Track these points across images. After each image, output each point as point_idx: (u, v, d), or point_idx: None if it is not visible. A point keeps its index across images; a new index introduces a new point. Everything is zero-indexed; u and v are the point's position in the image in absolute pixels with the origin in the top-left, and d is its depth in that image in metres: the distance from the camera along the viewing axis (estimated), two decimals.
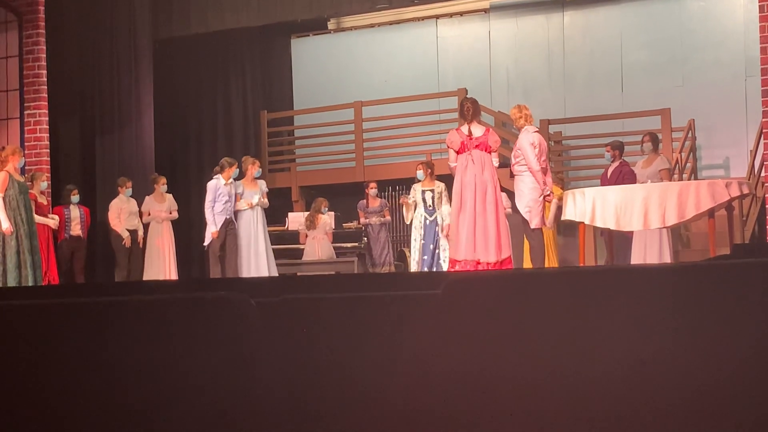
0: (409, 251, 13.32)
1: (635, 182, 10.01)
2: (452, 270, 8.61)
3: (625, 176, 10.16)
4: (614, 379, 1.84)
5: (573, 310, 1.87)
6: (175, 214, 12.05)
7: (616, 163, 10.40)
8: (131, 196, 11.85)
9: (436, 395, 1.94)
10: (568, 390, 1.85)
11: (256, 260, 10.80)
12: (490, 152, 8.63)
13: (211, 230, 10.54)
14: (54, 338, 1.94)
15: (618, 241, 9.77)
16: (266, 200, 11.08)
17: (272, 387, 1.94)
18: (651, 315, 1.84)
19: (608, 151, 10.59)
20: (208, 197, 10.61)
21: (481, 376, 1.92)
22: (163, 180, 12.01)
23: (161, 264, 11.72)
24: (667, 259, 9.55)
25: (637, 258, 9.70)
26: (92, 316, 1.97)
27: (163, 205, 11.89)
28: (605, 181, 10.26)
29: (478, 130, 8.67)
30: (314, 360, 1.98)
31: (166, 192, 12.02)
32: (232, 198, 10.68)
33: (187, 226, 13.87)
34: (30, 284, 9.14)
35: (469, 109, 8.68)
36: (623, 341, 1.84)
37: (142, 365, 1.91)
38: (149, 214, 11.85)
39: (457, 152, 8.63)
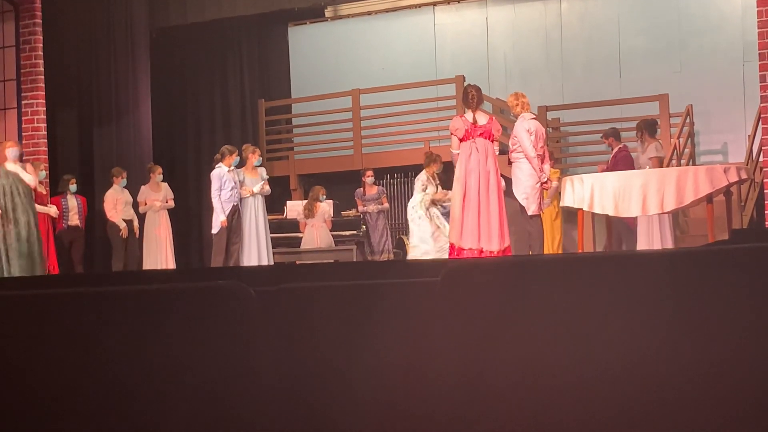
0: (408, 238, 13.34)
1: (631, 166, 10.03)
2: (453, 257, 8.61)
3: (619, 161, 10.17)
4: (615, 367, 1.85)
5: (572, 297, 1.87)
6: (172, 203, 12.05)
7: (616, 149, 10.43)
8: (125, 187, 11.85)
9: (436, 383, 1.95)
10: (568, 377, 1.86)
11: (258, 248, 10.84)
12: (493, 140, 8.63)
13: (220, 218, 10.56)
14: (52, 328, 1.94)
15: (616, 227, 9.78)
16: (268, 187, 11.13)
17: (271, 376, 1.95)
18: (651, 301, 1.85)
19: (604, 141, 10.69)
20: (214, 186, 10.63)
21: (481, 363, 1.93)
22: (159, 169, 12.01)
23: (159, 253, 11.73)
24: (669, 244, 9.56)
25: (642, 245, 9.71)
26: (91, 306, 1.97)
27: (158, 194, 11.89)
28: (609, 169, 10.28)
29: (482, 118, 8.67)
30: (313, 349, 1.98)
31: (162, 181, 12.03)
32: (237, 185, 10.72)
33: (185, 215, 13.88)
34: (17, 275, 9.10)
35: (474, 97, 8.67)
36: (623, 328, 1.84)
37: (140, 355, 1.91)
38: (146, 204, 11.86)
39: (461, 139, 8.61)
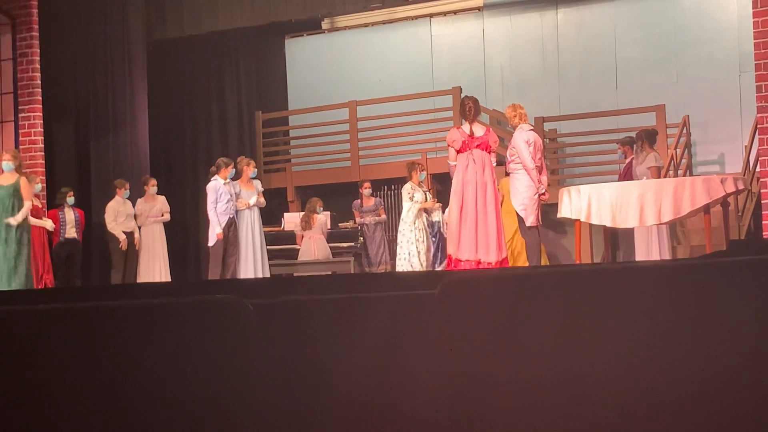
0: None
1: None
2: (451, 269, 8.61)
3: (631, 173, 10.19)
4: (613, 379, 1.84)
5: (570, 309, 1.86)
6: (167, 216, 12.02)
7: (629, 160, 10.43)
8: (128, 198, 11.83)
9: (434, 395, 1.94)
10: (566, 389, 1.85)
11: (254, 260, 10.83)
12: (490, 152, 8.63)
13: (216, 231, 10.54)
14: (49, 344, 1.94)
15: (613, 238, 9.78)
16: (263, 199, 11.13)
17: (269, 391, 1.94)
18: (649, 314, 1.84)
19: (619, 149, 10.67)
20: (210, 199, 10.61)
21: (479, 375, 1.92)
22: (153, 182, 11.99)
23: (153, 266, 11.70)
24: (665, 255, 9.56)
25: (640, 255, 9.71)
26: (87, 321, 1.96)
27: (153, 207, 11.87)
28: (621, 179, 10.30)
29: (479, 130, 8.67)
30: (311, 362, 1.97)
31: (158, 194, 12.01)
32: (233, 197, 10.71)
33: (183, 228, 13.87)
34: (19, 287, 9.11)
35: (471, 109, 8.67)
36: (621, 340, 1.83)
37: (138, 370, 1.90)
38: (140, 216, 11.84)
39: (458, 151, 8.62)
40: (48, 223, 10.89)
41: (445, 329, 1.93)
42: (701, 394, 1.83)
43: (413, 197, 11.47)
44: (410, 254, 11.33)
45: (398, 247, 11.52)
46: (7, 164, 9.65)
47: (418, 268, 11.18)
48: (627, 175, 10.19)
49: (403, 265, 11.34)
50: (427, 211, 11.66)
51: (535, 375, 1.87)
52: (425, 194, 11.67)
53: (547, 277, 2.01)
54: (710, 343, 1.83)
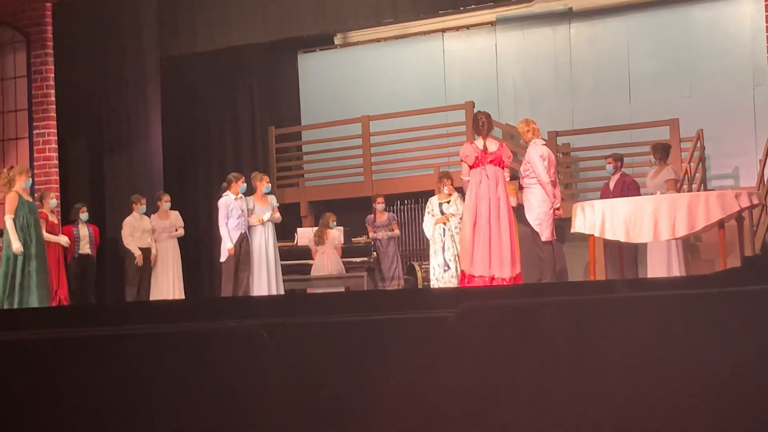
0: (420, 265, 13.30)
1: (638, 192, 10.01)
2: (464, 285, 8.58)
3: (628, 187, 10.16)
4: (629, 404, 1.83)
5: (588, 338, 1.85)
6: (181, 231, 12.01)
7: (617, 175, 10.39)
8: (144, 214, 11.82)
9: (451, 419, 1.93)
10: (583, 417, 1.84)
11: (268, 276, 10.81)
12: (503, 167, 8.60)
13: (228, 247, 10.55)
14: (62, 371, 1.93)
15: (627, 253, 9.74)
16: (278, 215, 11.10)
17: (282, 415, 1.93)
18: (665, 340, 1.83)
19: (610, 163, 10.59)
20: (221, 214, 10.62)
21: (492, 400, 1.91)
22: (167, 197, 11.97)
23: (166, 282, 11.67)
24: (680, 271, 9.50)
25: (653, 270, 9.66)
26: (102, 347, 1.96)
27: (166, 223, 11.85)
28: (608, 194, 10.22)
29: (492, 145, 8.65)
30: (325, 387, 1.97)
31: (171, 209, 11.99)
32: (245, 212, 10.70)
33: (196, 244, 13.87)
34: (36, 305, 9.13)
35: (485, 124, 8.65)
36: (639, 373, 1.82)
37: (153, 398, 1.90)
38: (154, 232, 11.83)
39: (471, 166, 8.59)
40: (63, 239, 10.93)
41: (461, 354, 1.92)
42: (716, 420, 1.82)
43: (433, 212, 11.21)
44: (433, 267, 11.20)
45: None
46: (28, 182, 9.73)
47: (437, 282, 11.04)
48: (623, 190, 10.11)
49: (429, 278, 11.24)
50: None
51: (552, 402, 1.86)
52: (443, 209, 11.36)
53: (564, 306, 2.00)
54: (726, 372, 1.82)
